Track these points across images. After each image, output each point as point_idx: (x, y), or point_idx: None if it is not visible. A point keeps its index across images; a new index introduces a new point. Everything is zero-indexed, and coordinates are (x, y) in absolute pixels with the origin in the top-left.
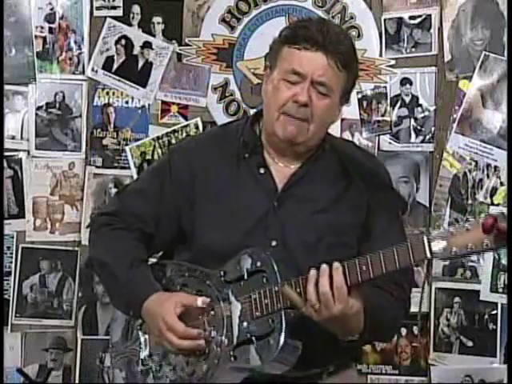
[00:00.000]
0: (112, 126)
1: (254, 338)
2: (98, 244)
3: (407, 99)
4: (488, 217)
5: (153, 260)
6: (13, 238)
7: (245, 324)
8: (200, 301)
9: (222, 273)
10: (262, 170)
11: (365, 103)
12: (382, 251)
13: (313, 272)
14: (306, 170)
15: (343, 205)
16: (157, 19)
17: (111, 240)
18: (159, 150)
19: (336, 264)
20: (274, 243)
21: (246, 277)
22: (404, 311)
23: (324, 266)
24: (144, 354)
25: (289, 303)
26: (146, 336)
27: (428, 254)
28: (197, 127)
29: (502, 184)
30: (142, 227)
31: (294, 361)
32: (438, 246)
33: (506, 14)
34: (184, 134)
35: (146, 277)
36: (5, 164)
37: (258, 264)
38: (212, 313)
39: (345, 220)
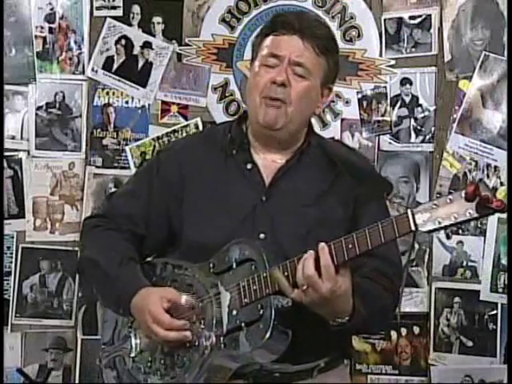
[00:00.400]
0: (112, 126)
1: (243, 325)
2: (88, 244)
3: (407, 99)
4: (470, 184)
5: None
6: (13, 238)
7: (234, 312)
8: (184, 299)
9: (210, 265)
10: (249, 166)
11: (365, 103)
12: (368, 227)
13: (304, 256)
14: (292, 163)
15: (331, 198)
16: (157, 19)
17: (101, 239)
18: None
19: (322, 244)
20: (262, 236)
21: (234, 266)
22: (394, 305)
23: (310, 251)
24: (135, 351)
25: (277, 287)
26: (137, 333)
27: (413, 227)
28: (197, 127)
29: (502, 184)
30: (132, 228)
31: (284, 349)
32: (423, 217)
33: (506, 13)
34: (184, 134)
35: (135, 273)
36: (5, 164)
37: (247, 253)
38: (201, 305)
39: (333, 213)
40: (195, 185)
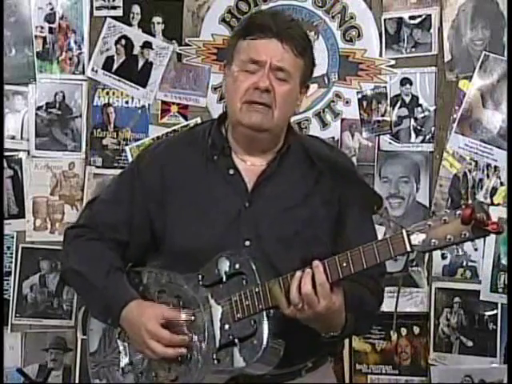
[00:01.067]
0: (112, 125)
1: (236, 340)
2: (71, 255)
3: (407, 99)
4: (466, 207)
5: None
6: (13, 238)
7: (226, 326)
8: (183, 315)
9: (199, 277)
10: (231, 171)
11: (365, 103)
12: (363, 247)
13: (298, 274)
14: (274, 167)
15: (314, 200)
16: (157, 19)
17: (85, 250)
18: None
19: (316, 262)
20: (247, 243)
21: (224, 279)
22: (378, 304)
23: (308, 270)
24: (124, 362)
25: (271, 303)
26: (126, 344)
27: (408, 248)
28: None
29: (502, 184)
30: (115, 236)
31: (277, 360)
32: (418, 238)
33: (506, 13)
34: None
35: (123, 284)
36: (5, 164)
37: (237, 266)
38: (192, 318)
39: (317, 215)
40: (177, 189)
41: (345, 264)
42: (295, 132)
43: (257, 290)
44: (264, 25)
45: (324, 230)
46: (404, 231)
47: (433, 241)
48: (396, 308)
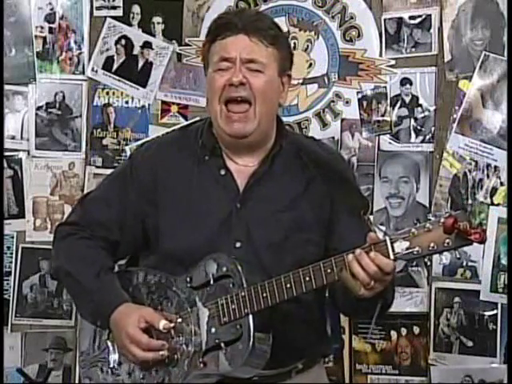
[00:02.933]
0: (112, 125)
1: (222, 344)
2: (62, 254)
3: (407, 99)
4: (448, 217)
5: (120, 263)
6: (13, 238)
7: (213, 330)
8: (161, 324)
9: (188, 279)
10: (222, 172)
11: (365, 103)
12: (346, 253)
13: (350, 256)
14: (265, 168)
15: (306, 202)
16: (157, 19)
17: (76, 249)
18: None
19: (358, 251)
20: (238, 244)
21: (212, 282)
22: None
23: (358, 251)
24: (113, 362)
25: (263, 305)
26: (115, 345)
27: (391, 256)
28: None
29: (502, 184)
30: (106, 235)
31: (264, 363)
32: (401, 246)
33: (506, 13)
34: None
35: (114, 286)
36: (5, 164)
37: (224, 269)
38: (179, 320)
39: (308, 217)
40: (170, 191)
41: (329, 270)
42: (287, 131)
43: (243, 294)
44: (230, 23)
45: (315, 233)
46: (387, 238)
47: (416, 249)
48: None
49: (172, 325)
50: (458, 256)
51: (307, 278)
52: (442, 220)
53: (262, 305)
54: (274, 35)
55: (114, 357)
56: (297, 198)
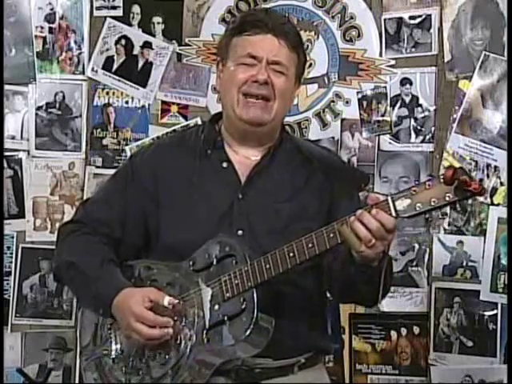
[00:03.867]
0: (112, 125)
1: (226, 318)
2: (65, 249)
3: (407, 99)
4: (448, 168)
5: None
6: (13, 238)
7: (216, 307)
8: (166, 300)
9: (190, 263)
10: (224, 164)
11: (365, 103)
12: (349, 216)
13: (352, 218)
14: (267, 160)
15: (306, 193)
16: (157, 19)
17: (79, 243)
18: None
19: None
20: (240, 232)
21: (215, 263)
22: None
23: (360, 211)
24: (115, 351)
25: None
26: (117, 335)
27: (393, 213)
28: None
29: (502, 184)
30: (107, 232)
31: (265, 342)
32: (403, 204)
33: (506, 13)
34: None
35: (116, 274)
36: (5, 164)
37: (227, 249)
38: (182, 302)
39: (309, 207)
40: (171, 186)
41: (332, 235)
42: (287, 130)
43: (246, 268)
44: (259, 21)
45: (316, 222)
46: (389, 197)
47: (418, 205)
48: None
49: (177, 301)
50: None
51: (310, 245)
52: (442, 173)
53: (266, 276)
54: (298, 41)
55: (115, 346)
56: (298, 189)
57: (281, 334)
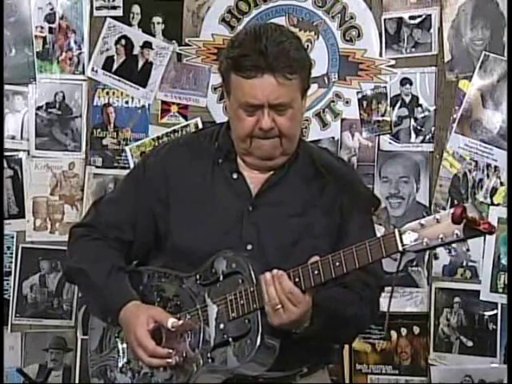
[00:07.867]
0: (112, 125)
1: (230, 339)
2: (75, 254)
3: (407, 99)
4: (457, 206)
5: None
6: (13, 238)
7: (221, 326)
8: (170, 323)
9: (197, 276)
10: (234, 176)
11: (365, 103)
12: (355, 246)
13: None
14: (280, 175)
15: (317, 208)
16: (157, 19)
17: (89, 249)
18: None
19: (279, 272)
20: (249, 247)
21: (221, 279)
22: (370, 311)
23: (276, 271)
24: (122, 361)
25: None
26: (124, 344)
27: (400, 247)
28: (197, 127)
29: (502, 184)
30: (118, 235)
31: (271, 361)
32: (410, 238)
33: (506, 13)
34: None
35: (124, 284)
36: (5, 164)
37: (234, 265)
38: (188, 317)
39: (319, 223)
40: (182, 191)
41: (338, 263)
42: (304, 141)
43: (252, 289)
44: (253, 63)
45: (324, 240)
46: (396, 230)
47: (425, 240)
48: (388, 309)
49: (181, 322)
50: (458, 253)
51: (316, 272)
52: (451, 210)
53: None
54: (297, 62)
55: (122, 356)
56: (309, 204)
57: (288, 350)
